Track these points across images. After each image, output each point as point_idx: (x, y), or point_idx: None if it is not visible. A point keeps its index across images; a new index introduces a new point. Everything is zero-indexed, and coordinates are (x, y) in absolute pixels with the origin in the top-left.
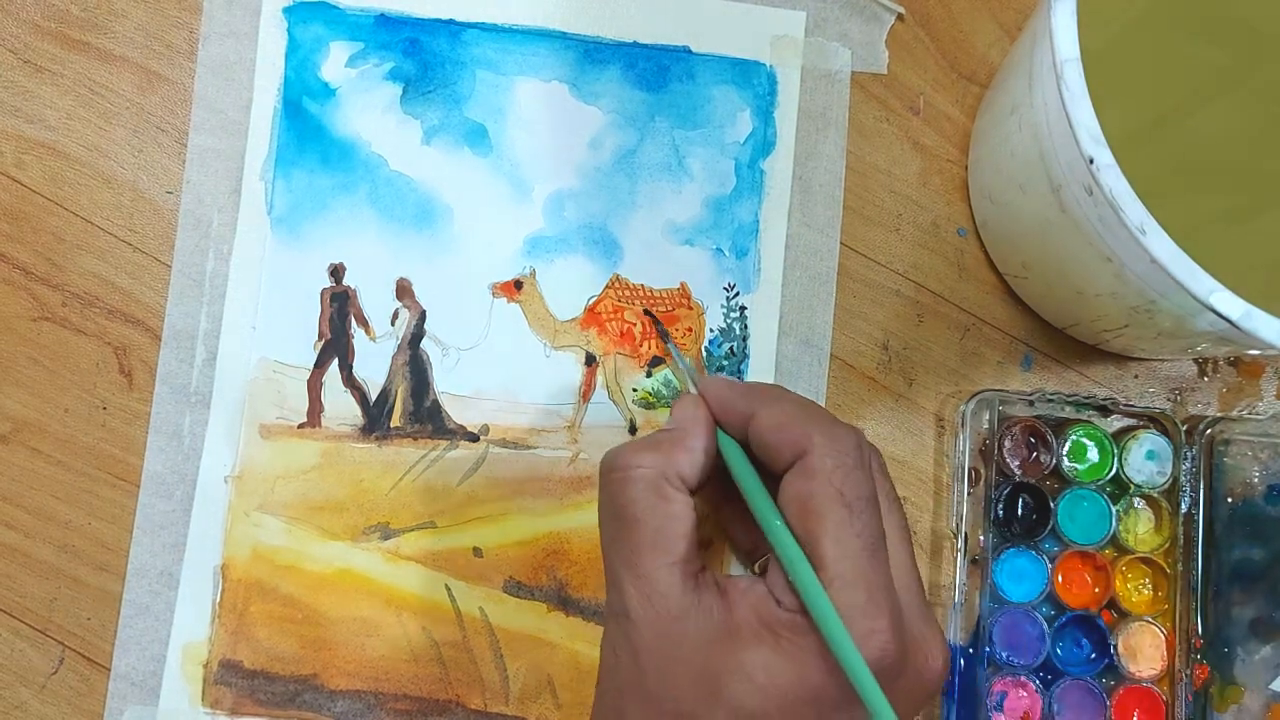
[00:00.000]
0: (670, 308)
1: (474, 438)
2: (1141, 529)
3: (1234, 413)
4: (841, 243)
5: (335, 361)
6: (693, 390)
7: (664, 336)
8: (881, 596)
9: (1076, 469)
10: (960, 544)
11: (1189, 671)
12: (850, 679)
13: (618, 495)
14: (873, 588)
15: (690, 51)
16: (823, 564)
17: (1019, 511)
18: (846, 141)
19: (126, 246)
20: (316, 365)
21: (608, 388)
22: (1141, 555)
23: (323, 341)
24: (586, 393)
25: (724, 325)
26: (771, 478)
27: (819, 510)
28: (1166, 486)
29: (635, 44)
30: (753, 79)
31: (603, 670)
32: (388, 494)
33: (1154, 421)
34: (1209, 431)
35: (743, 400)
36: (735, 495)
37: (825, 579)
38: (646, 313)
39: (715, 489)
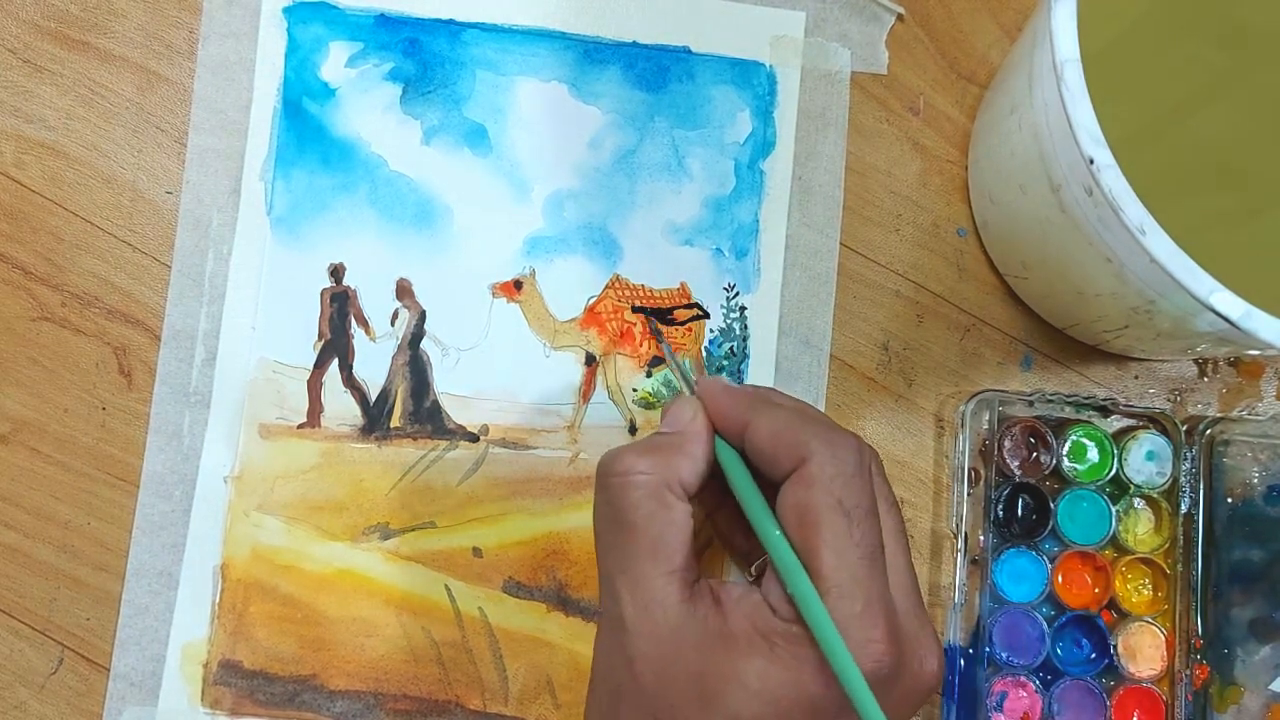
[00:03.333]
0: (670, 308)
1: (474, 438)
2: (1141, 529)
3: (1234, 413)
4: (841, 243)
5: (335, 361)
6: (688, 393)
7: (658, 336)
8: (878, 605)
9: (1076, 469)
10: (960, 544)
11: (1189, 672)
12: (846, 690)
13: (617, 500)
14: (870, 597)
15: (690, 51)
16: (820, 574)
17: (1019, 512)
18: (846, 142)
19: (126, 246)
20: (316, 365)
21: (608, 388)
22: (1141, 555)
23: (323, 341)
24: (586, 393)
25: (724, 325)
26: (768, 484)
27: (817, 520)
28: (1166, 487)
29: (635, 44)
30: (752, 79)
31: (596, 673)
32: (387, 494)
33: (1154, 422)
34: (1209, 432)
35: (740, 406)
36: (731, 498)
37: (823, 588)
38: (642, 310)
39: (711, 492)
